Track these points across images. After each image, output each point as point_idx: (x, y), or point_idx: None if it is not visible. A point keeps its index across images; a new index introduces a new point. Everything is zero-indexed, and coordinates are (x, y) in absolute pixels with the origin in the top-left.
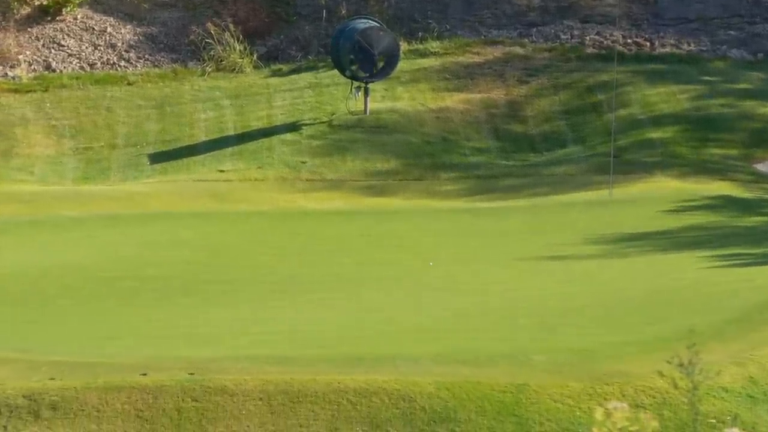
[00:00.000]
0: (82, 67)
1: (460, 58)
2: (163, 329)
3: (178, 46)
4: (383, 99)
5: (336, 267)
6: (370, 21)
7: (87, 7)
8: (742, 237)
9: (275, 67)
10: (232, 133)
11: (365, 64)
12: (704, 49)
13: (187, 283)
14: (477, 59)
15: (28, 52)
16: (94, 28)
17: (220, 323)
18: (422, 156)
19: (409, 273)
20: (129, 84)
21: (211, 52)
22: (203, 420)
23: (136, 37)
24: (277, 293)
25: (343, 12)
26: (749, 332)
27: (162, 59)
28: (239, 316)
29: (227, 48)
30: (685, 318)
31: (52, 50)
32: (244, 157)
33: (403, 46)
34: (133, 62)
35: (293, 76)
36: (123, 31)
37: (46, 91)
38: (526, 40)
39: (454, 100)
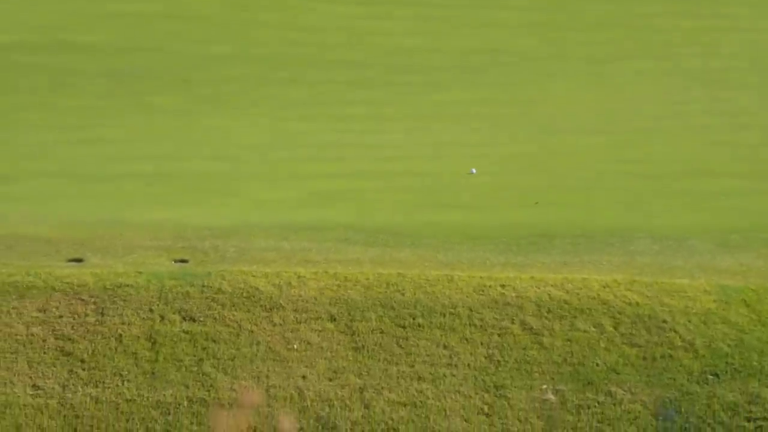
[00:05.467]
0: None
1: None
2: (117, 161)
3: None
4: None
5: (496, 34)
6: None
7: None
8: None
9: None
10: None
11: None
12: None
13: (168, 61)
14: None
15: None
16: None
17: (240, 151)
18: None
19: (663, 46)
20: None
21: None
22: (207, 361)
23: None
24: (366, 89)
25: None
26: None
27: None
28: (282, 137)
29: None
30: None
31: None
32: None
33: None
34: None
35: None
36: None
37: None
38: None
39: None
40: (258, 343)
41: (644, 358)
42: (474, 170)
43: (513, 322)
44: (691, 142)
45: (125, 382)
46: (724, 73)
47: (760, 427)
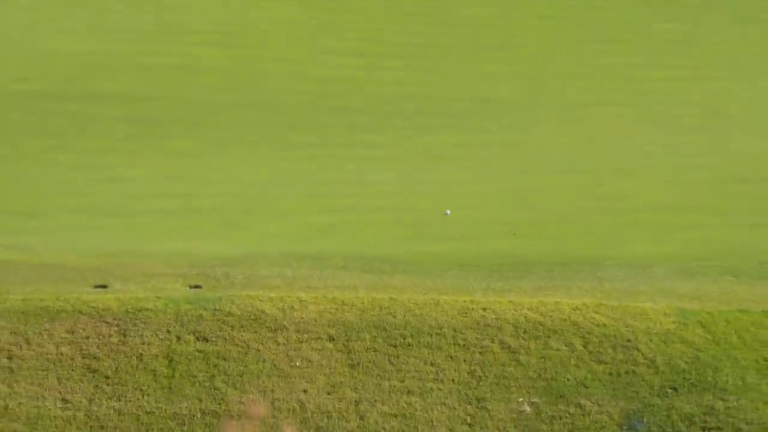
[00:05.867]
0: None
1: None
2: (138, 198)
3: None
4: None
5: (483, 83)
6: None
7: None
8: None
9: None
10: None
11: None
12: None
13: (183, 108)
14: None
15: None
16: None
17: (249, 188)
18: None
19: (626, 95)
20: None
21: None
22: (218, 377)
23: None
24: (363, 133)
25: None
26: None
27: None
28: (287, 176)
29: None
30: None
31: None
32: None
33: None
34: None
35: None
36: None
37: None
38: None
39: None
40: (264, 361)
41: (610, 374)
42: (448, 212)
43: (493, 342)
44: (655, 180)
45: (145, 396)
46: (683, 119)
47: None
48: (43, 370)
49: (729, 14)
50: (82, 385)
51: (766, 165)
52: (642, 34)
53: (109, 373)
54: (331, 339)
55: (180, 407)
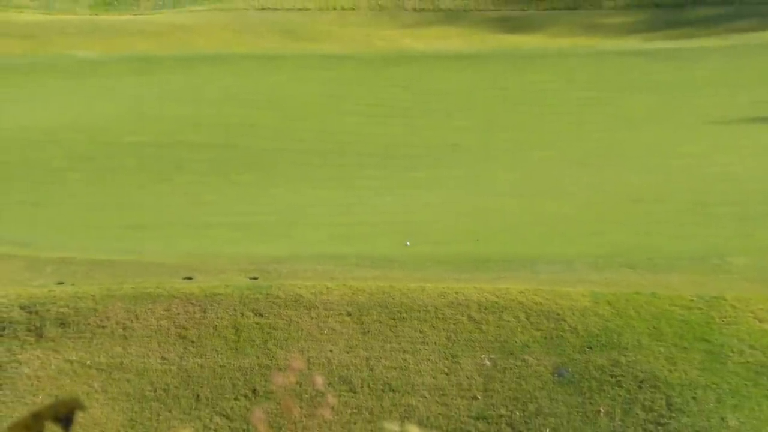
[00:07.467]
0: None
1: None
2: (214, 216)
3: None
4: None
5: (453, 134)
6: None
7: None
8: None
9: None
10: None
11: None
12: None
13: (245, 153)
14: None
15: None
16: None
17: (291, 209)
18: None
19: (554, 143)
20: None
21: None
22: (270, 341)
23: None
24: (370, 169)
25: None
26: None
27: None
28: (317, 200)
29: None
30: None
31: None
32: None
33: None
34: None
35: None
36: None
37: None
38: None
39: None
40: (301, 330)
41: (545, 338)
42: (408, 243)
43: (462, 315)
44: (573, 202)
45: (219, 355)
46: (592, 159)
47: (619, 381)
48: (147, 337)
49: (623, 85)
50: (175, 347)
51: (650, 191)
52: (563, 100)
53: (194, 338)
54: (348, 314)
55: (243, 362)
